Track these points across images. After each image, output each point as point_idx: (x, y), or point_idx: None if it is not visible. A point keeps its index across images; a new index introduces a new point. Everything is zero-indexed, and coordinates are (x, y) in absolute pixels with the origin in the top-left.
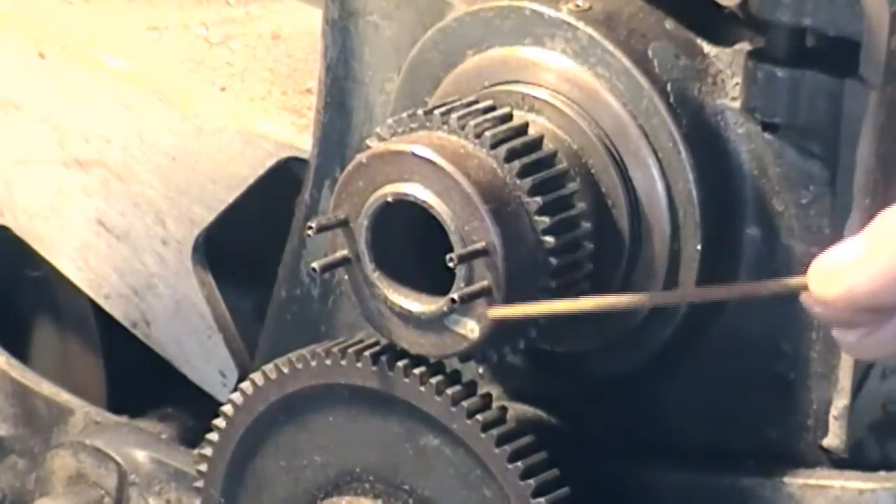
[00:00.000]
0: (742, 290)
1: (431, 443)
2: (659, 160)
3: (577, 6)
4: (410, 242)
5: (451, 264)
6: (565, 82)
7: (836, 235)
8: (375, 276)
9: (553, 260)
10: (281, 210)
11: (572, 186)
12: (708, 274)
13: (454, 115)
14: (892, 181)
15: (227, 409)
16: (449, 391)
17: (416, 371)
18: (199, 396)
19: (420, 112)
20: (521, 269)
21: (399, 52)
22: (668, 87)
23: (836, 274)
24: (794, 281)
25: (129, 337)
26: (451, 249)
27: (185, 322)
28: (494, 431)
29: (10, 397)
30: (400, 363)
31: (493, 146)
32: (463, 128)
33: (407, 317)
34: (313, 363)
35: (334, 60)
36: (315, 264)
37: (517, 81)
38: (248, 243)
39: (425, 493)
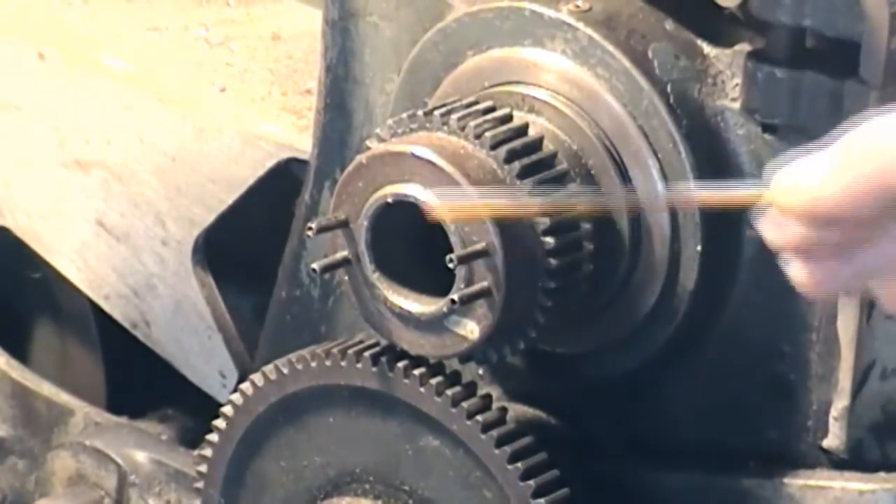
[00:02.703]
0: (708, 197)
1: (431, 444)
2: (659, 160)
3: (577, 7)
4: (410, 243)
5: (451, 265)
6: (565, 83)
7: None
8: (375, 276)
9: (553, 260)
10: (281, 211)
11: (572, 187)
12: (708, 274)
13: (454, 116)
14: None
15: (227, 409)
16: (449, 392)
17: (416, 372)
18: (199, 397)
19: (420, 113)
20: (521, 269)
21: (399, 52)
22: (668, 88)
23: (801, 184)
24: (759, 192)
25: (129, 337)
26: (451, 250)
27: (184, 322)
28: (494, 432)
29: (10, 398)
30: (400, 364)
31: (493, 147)
32: (463, 129)
33: (407, 318)
34: (313, 364)
35: (334, 61)
36: (315, 265)
37: (517, 82)
38: (248, 244)
39: (425, 494)
